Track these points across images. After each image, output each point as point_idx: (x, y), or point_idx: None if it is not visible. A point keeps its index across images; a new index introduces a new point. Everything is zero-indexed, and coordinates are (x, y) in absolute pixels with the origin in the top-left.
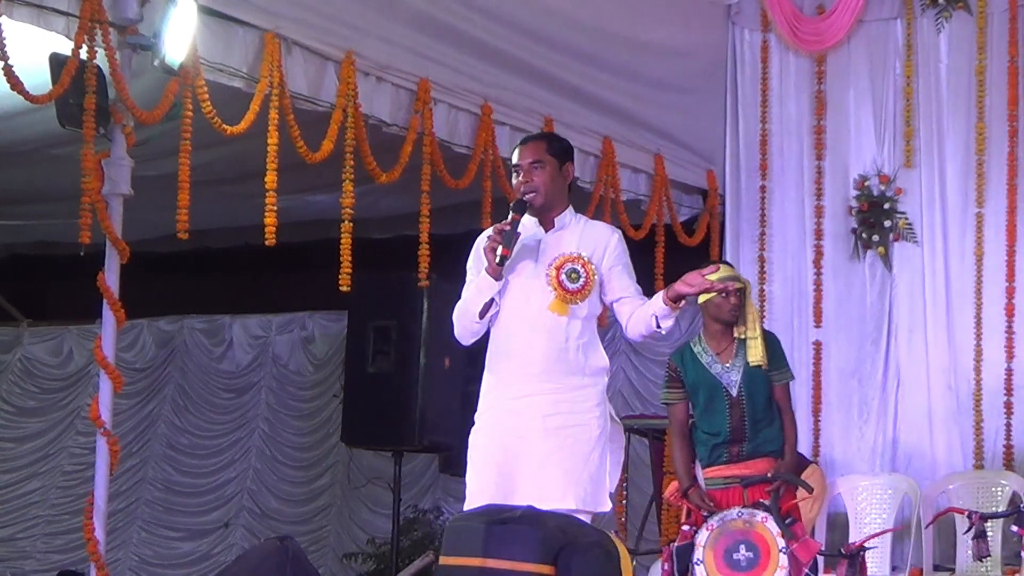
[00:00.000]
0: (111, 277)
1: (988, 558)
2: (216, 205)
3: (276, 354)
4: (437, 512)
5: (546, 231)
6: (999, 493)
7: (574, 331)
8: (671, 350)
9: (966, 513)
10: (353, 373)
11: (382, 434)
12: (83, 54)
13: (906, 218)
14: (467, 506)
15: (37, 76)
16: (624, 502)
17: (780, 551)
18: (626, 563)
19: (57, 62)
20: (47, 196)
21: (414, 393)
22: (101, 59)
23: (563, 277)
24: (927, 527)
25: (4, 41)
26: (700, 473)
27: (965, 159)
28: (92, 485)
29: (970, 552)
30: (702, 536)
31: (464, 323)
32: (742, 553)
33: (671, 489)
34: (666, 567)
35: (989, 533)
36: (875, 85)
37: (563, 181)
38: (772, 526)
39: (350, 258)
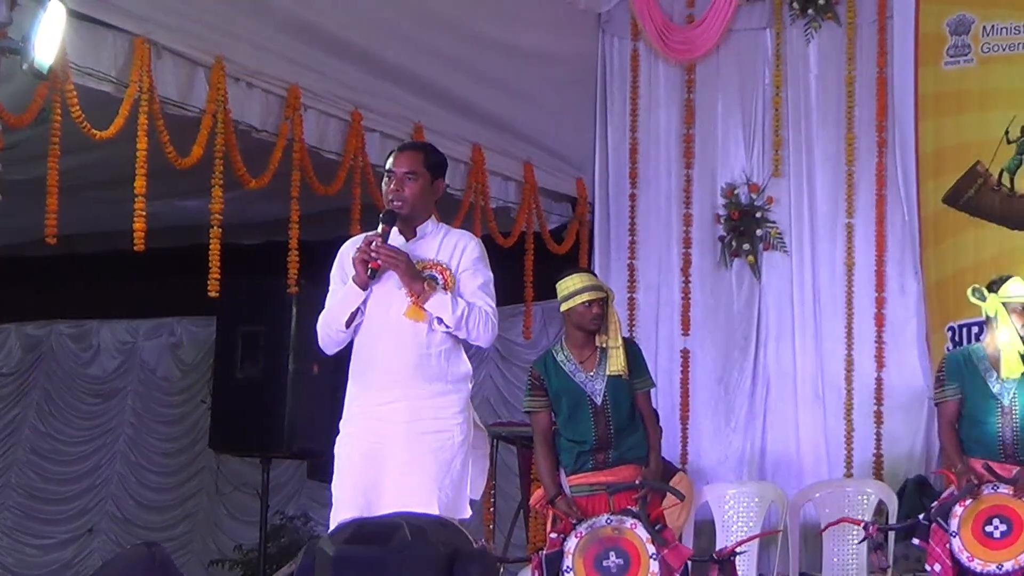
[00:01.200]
0: None
1: (889, 569)
2: (85, 210)
3: (144, 359)
4: (305, 519)
5: (407, 240)
6: (864, 502)
7: (435, 338)
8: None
9: (861, 524)
10: (221, 379)
11: (250, 440)
12: None
13: (776, 227)
14: (333, 513)
15: None
16: (492, 509)
17: (651, 557)
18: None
19: None
20: None
21: (282, 399)
22: None
23: None
24: (821, 533)
25: None
26: (565, 480)
27: (835, 169)
28: None
29: (868, 564)
30: (571, 543)
31: (328, 332)
32: (612, 560)
33: (536, 496)
34: (536, 574)
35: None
36: (744, 94)
37: (432, 195)
38: (642, 532)
39: (219, 264)
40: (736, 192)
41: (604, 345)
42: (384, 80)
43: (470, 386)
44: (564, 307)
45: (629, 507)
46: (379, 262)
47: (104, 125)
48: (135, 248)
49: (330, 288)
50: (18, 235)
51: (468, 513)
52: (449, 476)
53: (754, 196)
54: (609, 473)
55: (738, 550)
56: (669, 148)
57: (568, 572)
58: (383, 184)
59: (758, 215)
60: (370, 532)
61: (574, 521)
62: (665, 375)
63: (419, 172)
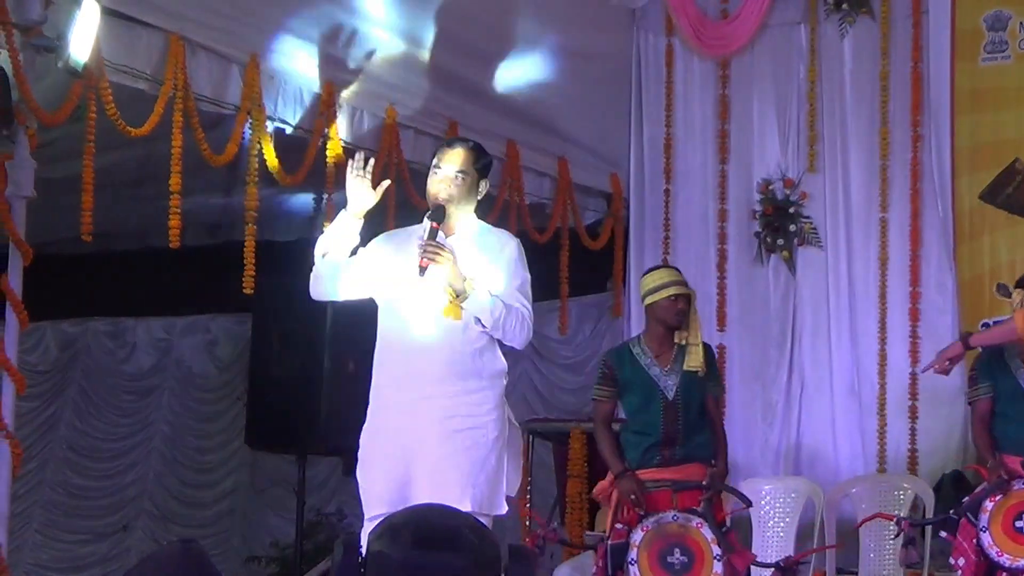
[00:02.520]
0: (14, 279)
1: (924, 564)
2: (120, 207)
3: (180, 357)
4: (340, 515)
5: (446, 238)
6: (901, 497)
7: (471, 335)
8: (575, 355)
9: (894, 519)
10: (257, 376)
11: (286, 437)
12: None
13: (811, 222)
14: (366, 509)
15: None
16: (528, 505)
17: (715, 558)
18: None
19: None
20: None
21: (318, 396)
22: (4, 60)
23: None
24: (857, 528)
25: None
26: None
27: (869, 164)
28: None
29: (899, 559)
30: (637, 536)
31: (318, 267)
32: (677, 557)
33: (600, 487)
34: (600, 563)
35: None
36: (779, 89)
37: (476, 195)
38: (707, 532)
39: (254, 261)
40: (771, 188)
41: (684, 342)
42: (418, 77)
43: (505, 382)
44: (648, 301)
45: (694, 507)
46: (425, 260)
47: (139, 122)
48: (170, 245)
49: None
50: (53, 233)
51: (504, 510)
52: (484, 473)
53: (788, 191)
54: (676, 471)
55: (803, 560)
56: (704, 144)
57: (633, 564)
58: (429, 178)
59: (792, 210)
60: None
61: (640, 512)
62: None
63: (468, 171)
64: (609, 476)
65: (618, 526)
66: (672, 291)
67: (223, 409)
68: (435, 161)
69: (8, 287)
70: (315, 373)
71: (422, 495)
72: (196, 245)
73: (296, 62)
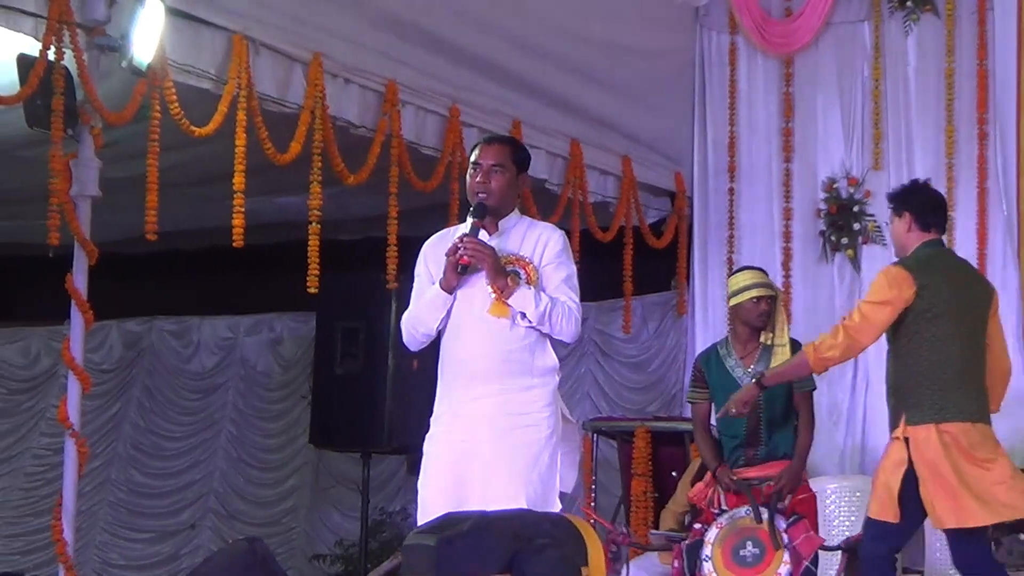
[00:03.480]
0: (79, 278)
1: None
2: (184, 206)
3: (244, 355)
4: (405, 514)
5: (490, 235)
6: None
7: (519, 333)
8: (639, 353)
9: None
10: (321, 374)
11: (350, 436)
12: (51, 55)
13: (875, 220)
14: (421, 513)
15: (4, 77)
16: (593, 504)
17: (784, 547)
18: (594, 548)
19: (25, 63)
20: (15, 197)
21: (382, 395)
22: (69, 60)
23: None
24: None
25: None
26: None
27: (934, 162)
28: (55, 486)
29: None
30: (711, 533)
31: (414, 333)
32: (749, 550)
33: (696, 491)
34: (676, 564)
35: None
36: (843, 87)
37: (517, 189)
38: (779, 523)
39: (318, 260)
40: (835, 186)
41: (769, 342)
42: (482, 75)
43: (557, 379)
44: (732, 302)
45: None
46: (467, 258)
47: (203, 122)
48: (234, 244)
49: (415, 285)
50: (118, 232)
51: (558, 507)
52: (537, 471)
53: (853, 190)
54: (759, 469)
55: None
56: (768, 142)
57: (706, 560)
58: (468, 176)
59: (856, 208)
60: (438, 523)
61: (716, 511)
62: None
63: (506, 165)
64: (707, 478)
65: (696, 525)
66: (755, 293)
67: (287, 408)
68: (473, 158)
69: (73, 286)
70: (379, 371)
71: (476, 495)
72: (260, 244)
73: (359, 61)
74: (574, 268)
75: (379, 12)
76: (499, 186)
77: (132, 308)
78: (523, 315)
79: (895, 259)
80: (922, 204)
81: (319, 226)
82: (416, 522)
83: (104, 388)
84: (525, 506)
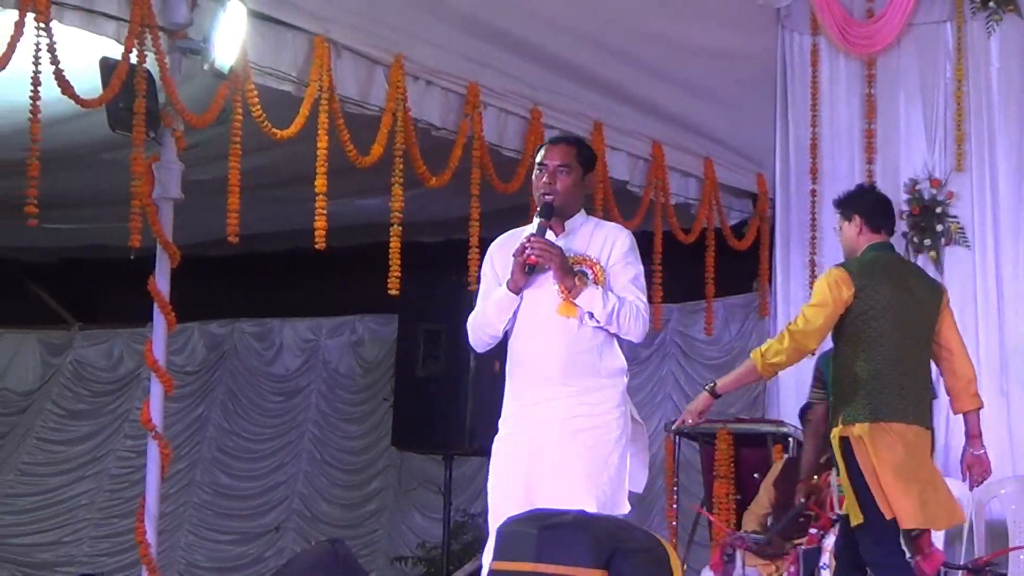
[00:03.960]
0: (162, 280)
1: None
2: (266, 209)
3: (326, 358)
4: (487, 516)
5: (556, 235)
6: None
7: (587, 333)
8: (721, 355)
9: None
10: (403, 376)
11: (432, 438)
12: (133, 58)
13: (958, 222)
14: (492, 516)
15: (88, 81)
16: (675, 506)
17: (908, 561)
18: (676, 566)
19: (107, 66)
20: (98, 200)
21: (464, 396)
22: (151, 63)
23: None
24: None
25: (55, 46)
26: (834, 480)
27: (1018, 162)
28: (140, 488)
29: None
30: (829, 541)
31: (481, 336)
32: None
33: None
34: (792, 569)
35: None
36: (925, 88)
37: (583, 190)
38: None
39: (399, 262)
40: (918, 187)
41: None
42: (563, 78)
43: (626, 380)
44: None
45: None
46: (534, 257)
47: (285, 124)
48: (316, 246)
49: (480, 286)
50: (200, 234)
51: (627, 509)
52: (606, 473)
53: (935, 191)
54: None
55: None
56: (850, 143)
57: (824, 568)
58: (534, 177)
59: (939, 210)
60: (538, 514)
61: (833, 517)
62: None
63: (572, 165)
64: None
65: (812, 531)
66: None
67: (370, 410)
68: (538, 159)
69: (156, 288)
70: (461, 373)
71: (546, 497)
72: (342, 246)
73: (441, 63)
74: (641, 268)
75: (460, 14)
76: (565, 186)
77: (214, 310)
78: (591, 315)
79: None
80: (872, 207)
81: (401, 228)
82: (488, 525)
83: (187, 390)
84: (595, 508)
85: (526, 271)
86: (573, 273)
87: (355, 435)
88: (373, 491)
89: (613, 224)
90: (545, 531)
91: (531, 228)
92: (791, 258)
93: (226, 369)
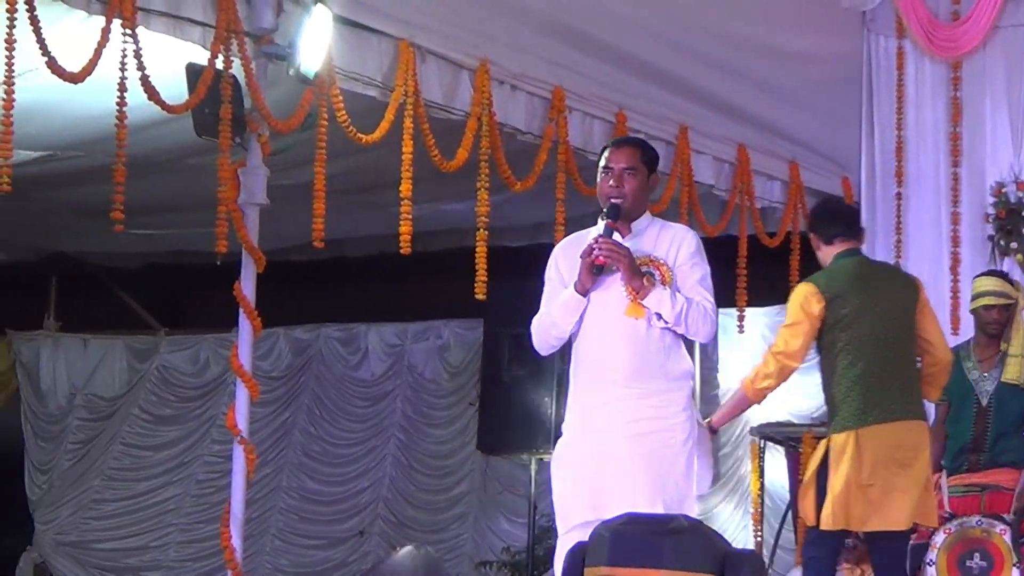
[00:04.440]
0: (247, 286)
1: None
2: (351, 214)
3: (412, 362)
4: None
5: (623, 237)
6: None
7: (654, 335)
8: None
9: None
10: (489, 381)
11: (518, 442)
12: (219, 64)
13: None
14: (560, 520)
15: (173, 86)
16: (760, 510)
17: (1014, 565)
18: None
19: (193, 72)
20: (183, 206)
21: (549, 400)
22: (237, 69)
23: None
24: None
25: (141, 52)
26: (944, 482)
27: None
28: (226, 493)
29: None
30: (938, 538)
31: (545, 337)
32: (976, 561)
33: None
34: None
35: None
36: (1012, 91)
37: (648, 191)
38: (1009, 539)
39: (485, 266)
40: (1004, 190)
41: (1006, 350)
42: (647, 81)
43: (692, 383)
44: (970, 307)
45: (1002, 513)
46: (602, 258)
47: (370, 129)
48: (401, 251)
49: (545, 289)
50: (286, 239)
51: (695, 512)
52: (674, 476)
53: (1021, 194)
54: (982, 475)
55: None
56: (936, 146)
57: (931, 565)
58: (599, 180)
59: None
60: (645, 519)
61: (945, 515)
62: None
63: (638, 167)
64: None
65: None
66: (985, 301)
67: (456, 414)
68: (603, 162)
69: (242, 294)
70: (546, 377)
71: (613, 501)
72: (427, 250)
73: (526, 67)
74: (708, 268)
75: (544, 18)
76: (632, 188)
77: (300, 315)
78: (659, 316)
79: None
80: (817, 219)
81: (486, 232)
82: (556, 528)
83: (273, 395)
84: (662, 510)
85: (594, 272)
86: (641, 274)
87: (440, 439)
88: (458, 495)
89: (679, 225)
90: (666, 536)
91: (597, 230)
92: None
93: (311, 374)
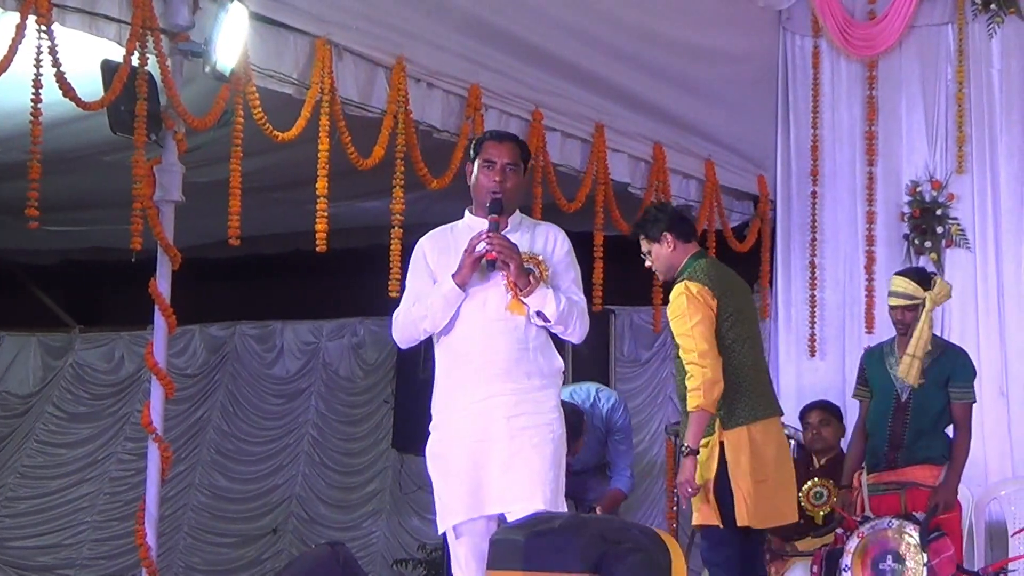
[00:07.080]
0: (163, 283)
1: None
2: (267, 211)
3: (327, 360)
4: None
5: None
6: None
7: (531, 332)
8: None
9: None
10: (404, 379)
11: None
12: (135, 61)
13: (958, 224)
14: (441, 519)
15: (89, 83)
16: (675, 509)
17: (923, 566)
18: (678, 562)
19: (109, 69)
20: (99, 202)
21: None
22: (152, 66)
23: None
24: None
25: (56, 48)
26: (865, 480)
27: (1019, 164)
28: (140, 491)
29: None
30: (852, 543)
31: (413, 332)
32: (888, 563)
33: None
34: (815, 569)
35: None
36: (927, 90)
37: (525, 186)
38: (918, 539)
39: (400, 264)
40: (919, 189)
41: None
42: (564, 79)
43: (561, 381)
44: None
45: (913, 513)
46: (494, 254)
47: (286, 126)
48: (318, 249)
49: (410, 282)
50: (201, 237)
51: (566, 509)
52: (553, 471)
53: (936, 193)
54: (900, 473)
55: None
56: (852, 145)
57: (846, 571)
58: (477, 172)
59: (940, 212)
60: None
61: (858, 519)
62: (850, 373)
63: (519, 164)
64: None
65: (838, 531)
66: (891, 301)
67: (370, 412)
68: (484, 156)
69: (157, 291)
70: None
71: (494, 496)
72: (343, 248)
73: (442, 65)
74: (579, 269)
75: (461, 16)
76: (514, 184)
77: (215, 313)
78: (539, 314)
79: (679, 280)
80: (674, 219)
81: (401, 230)
82: (436, 527)
83: (188, 393)
84: (542, 507)
85: (485, 267)
86: (527, 271)
87: (355, 437)
88: (372, 493)
89: (548, 223)
90: (533, 538)
91: (465, 223)
92: (792, 260)
93: (226, 371)
